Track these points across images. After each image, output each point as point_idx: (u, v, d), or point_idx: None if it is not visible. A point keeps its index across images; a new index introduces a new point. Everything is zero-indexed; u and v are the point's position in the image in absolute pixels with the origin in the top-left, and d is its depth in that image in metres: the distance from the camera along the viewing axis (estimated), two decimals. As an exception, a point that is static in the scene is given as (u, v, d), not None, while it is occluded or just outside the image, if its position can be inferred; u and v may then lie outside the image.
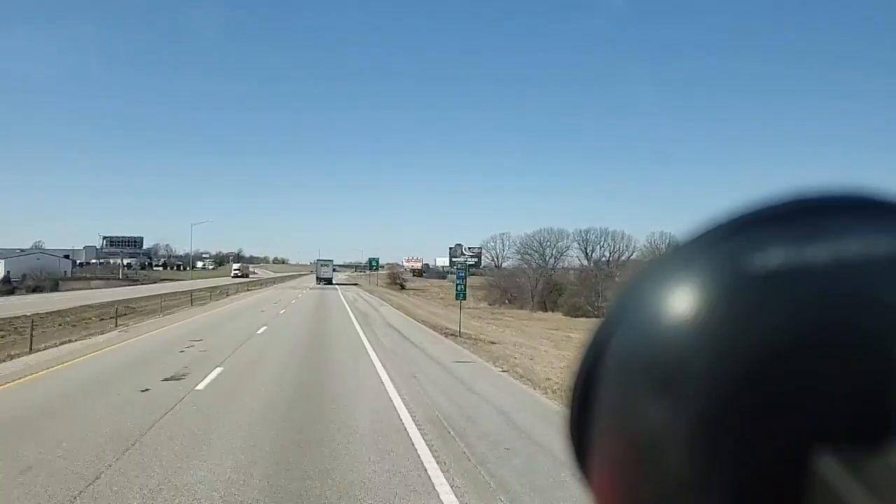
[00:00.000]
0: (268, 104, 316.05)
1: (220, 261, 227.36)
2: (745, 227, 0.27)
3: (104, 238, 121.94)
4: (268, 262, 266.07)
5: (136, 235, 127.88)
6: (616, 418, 0.27)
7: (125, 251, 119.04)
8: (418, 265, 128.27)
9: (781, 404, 0.23)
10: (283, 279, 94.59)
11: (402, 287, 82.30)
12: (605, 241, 78.32)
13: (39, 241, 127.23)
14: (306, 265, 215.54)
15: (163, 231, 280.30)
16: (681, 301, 0.26)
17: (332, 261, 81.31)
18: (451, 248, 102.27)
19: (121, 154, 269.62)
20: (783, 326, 0.24)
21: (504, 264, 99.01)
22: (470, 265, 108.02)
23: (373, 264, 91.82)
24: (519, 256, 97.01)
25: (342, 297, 41.90)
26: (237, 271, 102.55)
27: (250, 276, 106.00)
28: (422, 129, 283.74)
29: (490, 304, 57.35)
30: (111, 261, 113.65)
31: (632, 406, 0.26)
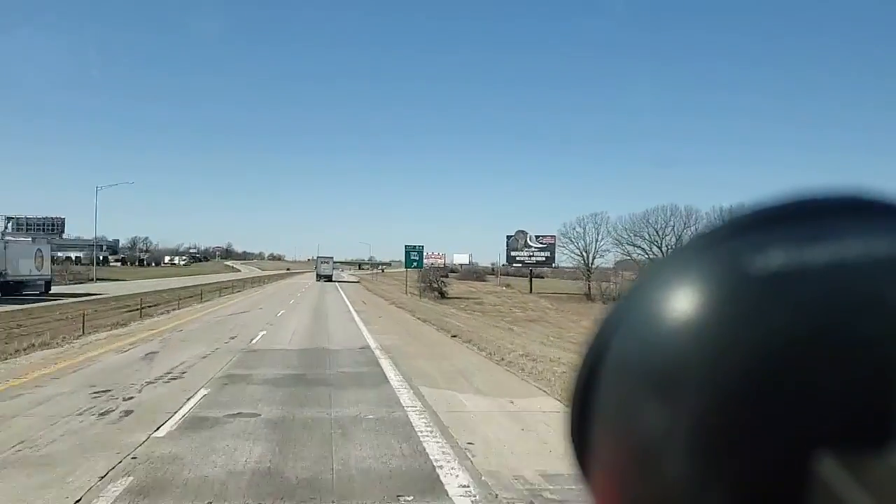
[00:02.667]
0: (268, 104, 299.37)
1: (205, 256, 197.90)
2: (746, 229, 0.26)
3: (8, 219, 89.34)
4: (262, 258, 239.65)
5: (54, 216, 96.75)
6: (616, 419, 0.27)
7: (40, 236, 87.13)
8: (441, 262, 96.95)
9: (782, 406, 0.23)
10: (260, 281, 62.61)
11: (442, 294, 51.41)
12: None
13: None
14: (304, 262, 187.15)
15: (164, 229, 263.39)
16: (681, 303, 0.26)
17: (332, 258, 77.15)
18: (508, 238, 68.98)
19: (119, 153, 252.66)
20: (783, 328, 0.23)
21: (596, 261, 66.84)
22: (538, 262, 68.51)
23: (412, 259, 48.59)
24: (619, 248, 65.17)
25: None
26: None
27: (235, 273, 71.75)
28: (422, 128, 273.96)
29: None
30: (60, 253, 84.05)
31: (632, 407, 0.26)
